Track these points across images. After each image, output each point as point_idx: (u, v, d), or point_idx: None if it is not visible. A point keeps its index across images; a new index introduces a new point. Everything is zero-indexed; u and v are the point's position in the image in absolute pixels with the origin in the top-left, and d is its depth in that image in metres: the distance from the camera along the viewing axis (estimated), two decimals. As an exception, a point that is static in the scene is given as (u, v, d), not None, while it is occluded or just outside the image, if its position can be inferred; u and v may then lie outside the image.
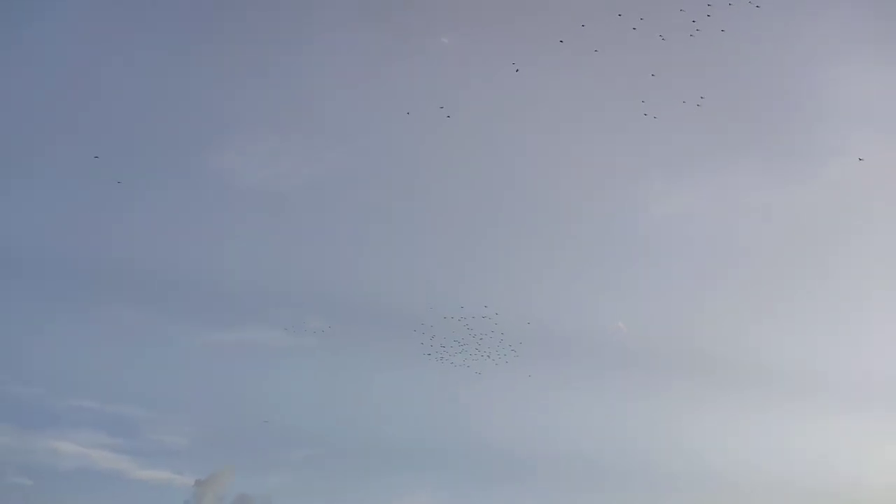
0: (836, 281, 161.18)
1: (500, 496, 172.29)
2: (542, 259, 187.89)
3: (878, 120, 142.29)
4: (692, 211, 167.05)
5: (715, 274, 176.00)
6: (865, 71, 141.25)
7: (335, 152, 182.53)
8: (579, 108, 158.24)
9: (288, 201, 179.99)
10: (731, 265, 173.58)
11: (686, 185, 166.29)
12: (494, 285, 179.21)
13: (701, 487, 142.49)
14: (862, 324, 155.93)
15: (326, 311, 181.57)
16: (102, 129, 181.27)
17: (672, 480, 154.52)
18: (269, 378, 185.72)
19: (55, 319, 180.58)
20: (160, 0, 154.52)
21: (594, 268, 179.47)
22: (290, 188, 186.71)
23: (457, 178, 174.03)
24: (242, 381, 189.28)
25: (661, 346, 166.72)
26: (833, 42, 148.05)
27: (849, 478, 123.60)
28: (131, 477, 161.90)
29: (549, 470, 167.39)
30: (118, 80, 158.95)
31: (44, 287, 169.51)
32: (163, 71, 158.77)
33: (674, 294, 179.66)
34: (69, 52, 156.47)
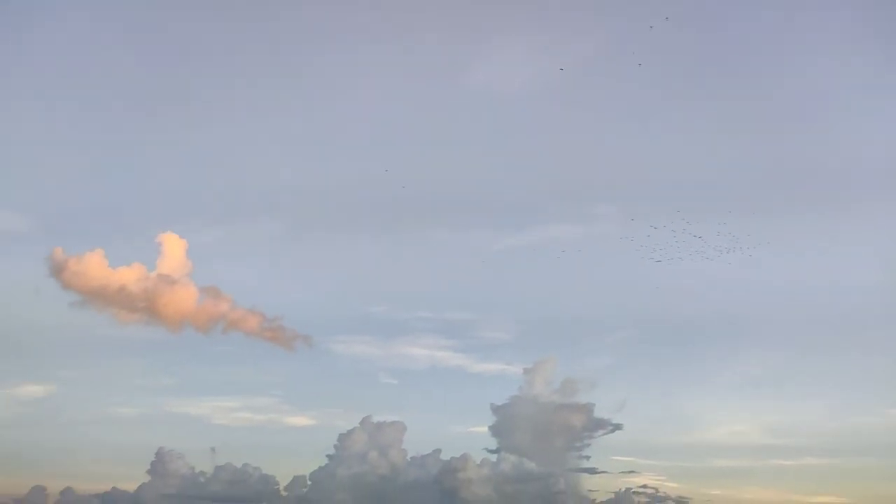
0: None
1: (845, 355, 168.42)
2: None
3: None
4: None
5: None
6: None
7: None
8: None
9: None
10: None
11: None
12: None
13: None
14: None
15: (613, 200, 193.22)
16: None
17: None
18: (569, 271, 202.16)
19: (384, 245, 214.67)
20: None
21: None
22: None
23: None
24: (547, 277, 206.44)
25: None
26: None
27: None
28: (471, 371, 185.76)
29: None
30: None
31: (376, 218, 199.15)
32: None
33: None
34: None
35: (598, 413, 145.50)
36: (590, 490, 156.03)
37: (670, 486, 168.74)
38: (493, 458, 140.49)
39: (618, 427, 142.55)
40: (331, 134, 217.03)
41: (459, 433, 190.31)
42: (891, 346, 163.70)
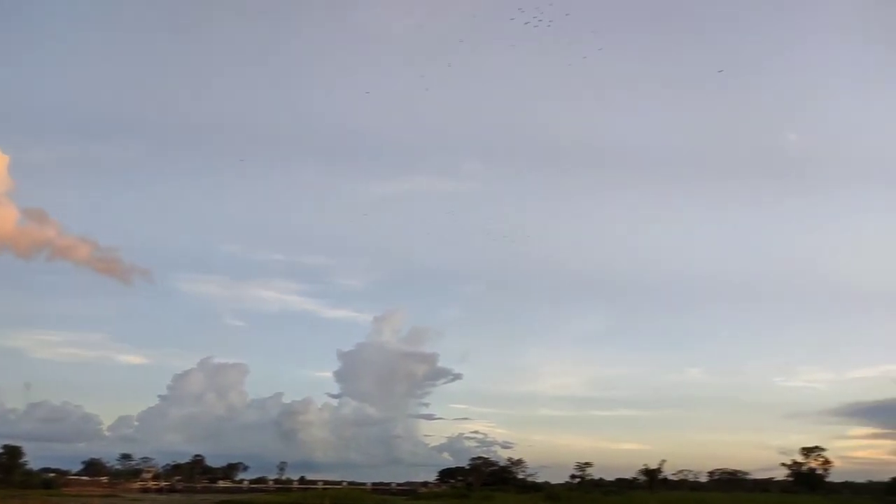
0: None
1: (664, 323, 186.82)
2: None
3: None
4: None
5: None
6: None
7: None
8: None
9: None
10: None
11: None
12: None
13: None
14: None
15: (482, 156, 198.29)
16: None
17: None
18: (429, 224, 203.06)
19: (248, 181, 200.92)
20: None
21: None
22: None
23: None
24: (407, 228, 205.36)
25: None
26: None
27: None
28: (321, 316, 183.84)
29: (720, 293, 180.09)
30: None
31: (234, 151, 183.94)
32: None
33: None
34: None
35: (442, 363, 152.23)
36: (425, 435, 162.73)
37: (498, 432, 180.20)
38: (335, 402, 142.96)
39: (458, 377, 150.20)
40: (207, 63, 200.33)
41: (304, 378, 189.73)
42: (697, 312, 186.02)
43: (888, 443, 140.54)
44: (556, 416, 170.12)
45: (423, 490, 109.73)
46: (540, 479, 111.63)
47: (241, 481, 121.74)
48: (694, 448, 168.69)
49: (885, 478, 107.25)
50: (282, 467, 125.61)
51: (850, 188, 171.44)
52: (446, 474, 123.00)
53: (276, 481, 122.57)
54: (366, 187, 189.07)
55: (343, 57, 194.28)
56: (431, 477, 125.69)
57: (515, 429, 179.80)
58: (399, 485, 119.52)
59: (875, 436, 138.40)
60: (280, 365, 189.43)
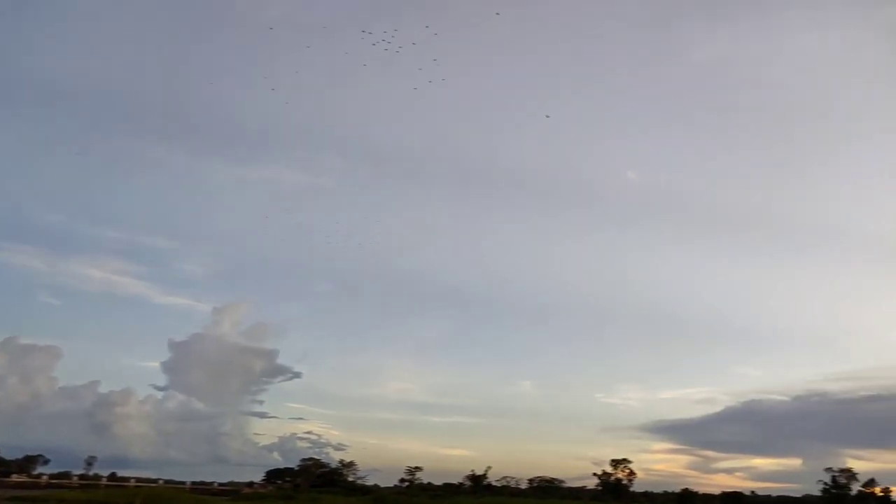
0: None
1: (502, 336, 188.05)
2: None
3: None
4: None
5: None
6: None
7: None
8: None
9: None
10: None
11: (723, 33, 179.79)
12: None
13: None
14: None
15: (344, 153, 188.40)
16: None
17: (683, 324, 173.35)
18: (289, 215, 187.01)
19: (81, 147, 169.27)
20: None
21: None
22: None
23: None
24: (260, 218, 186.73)
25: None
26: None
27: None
28: (154, 302, 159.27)
29: (557, 311, 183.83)
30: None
31: (77, 117, 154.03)
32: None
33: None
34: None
35: (282, 360, 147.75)
36: (256, 433, 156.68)
37: (333, 434, 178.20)
38: (160, 395, 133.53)
39: (297, 375, 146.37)
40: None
41: (126, 367, 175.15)
42: (533, 328, 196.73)
43: (683, 457, 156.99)
44: (393, 420, 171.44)
45: (247, 490, 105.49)
46: (370, 483, 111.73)
47: (39, 476, 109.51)
48: (519, 456, 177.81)
49: (678, 489, 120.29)
50: (90, 462, 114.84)
51: (673, 224, 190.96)
52: (274, 475, 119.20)
53: (82, 477, 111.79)
54: (218, 170, 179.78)
55: (197, 40, 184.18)
56: (258, 477, 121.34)
57: (351, 431, 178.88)
58: (221, 484, 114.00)
59: (673, 451, 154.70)
60: (100, 351, 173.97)
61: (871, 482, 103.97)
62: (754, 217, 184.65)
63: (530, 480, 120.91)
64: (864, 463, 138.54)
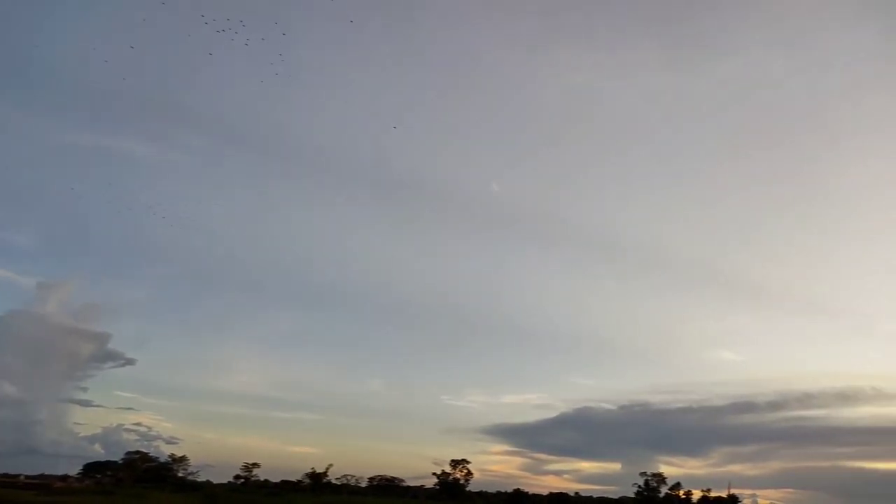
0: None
1: (355, 334, 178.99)
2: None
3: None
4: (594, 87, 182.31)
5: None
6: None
7: None
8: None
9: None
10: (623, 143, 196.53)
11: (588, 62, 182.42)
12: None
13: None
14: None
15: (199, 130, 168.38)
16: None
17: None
18: (128, 192, 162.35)
19: None
20: None
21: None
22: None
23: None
24: (102, 189, 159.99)
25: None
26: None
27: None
28: None
29: (412, 313, 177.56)
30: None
31: None
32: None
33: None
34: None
35: (114, 345, 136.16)
36: (77, 423, 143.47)
37: (165, 426, 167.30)
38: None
39: (130, 362, 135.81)
40: None
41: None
42: (386, 327, 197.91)
43: (518, 459, 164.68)
44: (234, 415, 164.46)
45: (59, 485, 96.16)
46: (202, 479, 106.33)
47: None
48: (364, 455, 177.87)
49: (510, 489, 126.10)
50: None
51: (526, 237, 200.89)
52: (93, 468, 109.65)
53: None
54: (53, 133, 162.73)
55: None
56: (74, 470, 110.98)
57: (186, 424, 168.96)
58: (29, 477, 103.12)
59: (509, 452, 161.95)
60: None
61: (677, 486, 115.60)
62: (598, 236, 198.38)
63: (370, 479, 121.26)
64: (673, 468, 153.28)
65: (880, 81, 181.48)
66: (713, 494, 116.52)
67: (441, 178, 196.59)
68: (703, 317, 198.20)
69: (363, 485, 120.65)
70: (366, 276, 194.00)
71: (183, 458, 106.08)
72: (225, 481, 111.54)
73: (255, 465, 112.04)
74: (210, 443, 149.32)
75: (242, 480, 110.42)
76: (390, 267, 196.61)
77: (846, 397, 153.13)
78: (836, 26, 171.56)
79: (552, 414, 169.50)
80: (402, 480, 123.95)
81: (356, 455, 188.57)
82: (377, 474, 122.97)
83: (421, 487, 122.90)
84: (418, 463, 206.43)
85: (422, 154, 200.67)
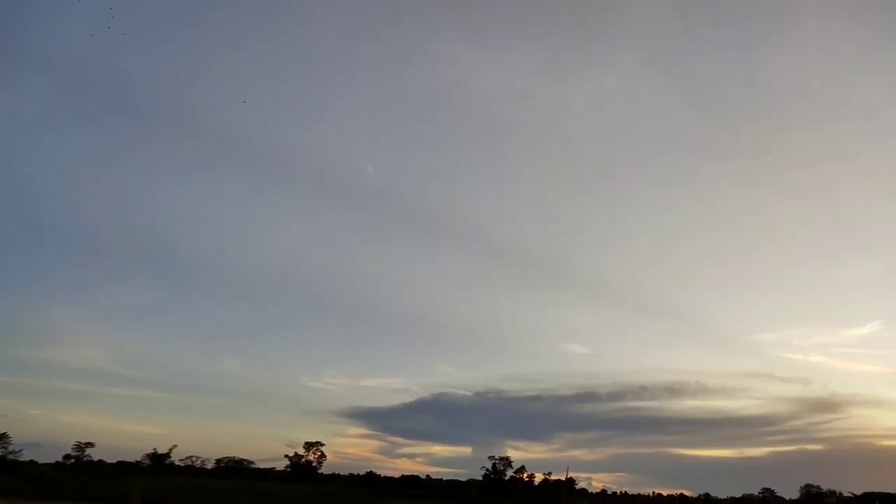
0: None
1: (210, 308, 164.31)
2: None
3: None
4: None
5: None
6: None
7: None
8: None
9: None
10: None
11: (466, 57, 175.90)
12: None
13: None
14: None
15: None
16: None
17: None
18: None
19: None
20: None
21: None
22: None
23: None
24: None
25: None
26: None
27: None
28: None
29: (272, 291, 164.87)
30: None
31: None
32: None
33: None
34: None
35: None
36: None
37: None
38: None
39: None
40: None
41: None
42: (247, 304, 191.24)
43: (373, 442, 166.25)
44: (67, 390, 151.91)
45: None
46: (25, 458, 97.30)
47: None
48: (215, 435, 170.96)
49: (364, 471, 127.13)
50: None
51: (396, 223, 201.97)
52: None
53: None
54: None
55: None
56: None
57: (9, 399, 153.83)
58: None
59: (365, 436, 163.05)
60: None
61: (521, 469, 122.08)
62: (467, 230, 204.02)
63: (218, 461, 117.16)
64: (520, 452, 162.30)
65: (727, 100, 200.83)
66: (553, 477, 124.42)
67: (316, 156, 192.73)
68: (557, 312, 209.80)
69: (209, 466, 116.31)
70: (227, 251, 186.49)
71: (4, 436, 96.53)
72: (53, 461, 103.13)
73: (89, 444, 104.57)
74: (37, 420, 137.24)
75: (73, 461, 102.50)
76: (253, 244, 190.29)
77: (674, 391, 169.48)
78: (694, 49, 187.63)
79: (410, 398, 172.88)
80: (252, 462, 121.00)
81: (206, 436, 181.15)
82: (227, 455, 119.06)
83: (272, 469, 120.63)
84: (271, 445, 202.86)
85: (298, 132, 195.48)
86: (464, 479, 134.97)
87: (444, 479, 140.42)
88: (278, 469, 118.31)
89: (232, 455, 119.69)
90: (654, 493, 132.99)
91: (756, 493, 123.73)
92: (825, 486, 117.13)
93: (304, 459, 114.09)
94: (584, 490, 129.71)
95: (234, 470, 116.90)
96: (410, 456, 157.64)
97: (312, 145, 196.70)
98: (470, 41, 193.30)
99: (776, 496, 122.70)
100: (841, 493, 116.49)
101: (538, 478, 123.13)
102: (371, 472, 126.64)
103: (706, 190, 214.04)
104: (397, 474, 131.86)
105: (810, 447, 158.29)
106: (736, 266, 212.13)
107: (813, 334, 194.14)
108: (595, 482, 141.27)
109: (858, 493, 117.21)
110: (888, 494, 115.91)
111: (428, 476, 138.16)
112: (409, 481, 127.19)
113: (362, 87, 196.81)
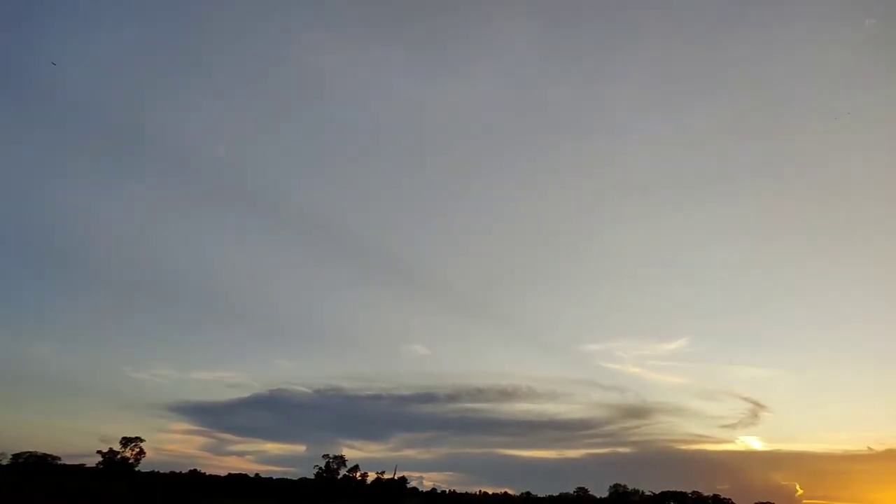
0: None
1: (32, 285, 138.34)
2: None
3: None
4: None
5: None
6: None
7: None
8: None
9: None
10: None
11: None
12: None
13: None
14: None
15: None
16: None
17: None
18: None
19: None
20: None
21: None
22: None
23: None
24: None
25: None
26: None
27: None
28: None
29: (102, 273, 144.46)
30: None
31: None
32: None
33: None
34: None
35: None
36: None
37: None
38: None
39: None
40: None
41: None
42: (70, 286, 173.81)
43: (200, 439, 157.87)
44: None
45: None
46: None
47: None
48: (16, 429, 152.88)
49: (187, 469, 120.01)
50: None
51: (244, 216, 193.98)
52: None
53: None
54: None
55: None
56: None
57: None
58: None
59: (192, 432, 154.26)
60: None
61: (355, 468, 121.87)
62: (317, 222, 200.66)
63: (15, 456, 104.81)
64: (355, 451, 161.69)
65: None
66: (386, 476, 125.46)
67: (160, 131, 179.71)
68: (401, 313, 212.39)
69: (4, 462, 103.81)
70: (45, 225, 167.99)
71: None
72: None
73: None
74: None
75: None
76: (81, 220, 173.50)
77: (507, 394, 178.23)
78: (535, 59, 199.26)
79: (246, 394, 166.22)
80: (58, 458, 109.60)
81: (4, 429, 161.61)
82: (27, 451, 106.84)
83: (81, 466, 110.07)
84: (84, 440, 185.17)
85: (143, 108, 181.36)
86: (295, 477, 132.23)
87: (275, 477, 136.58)
88: (89, 466, 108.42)
89: (34, 450, 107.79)
90: (480, 491, 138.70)
91: (571, 492, 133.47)
92: (631, 486, 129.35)
93: (119, 456, 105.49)
94: (415, 489, 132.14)
95: (35, 466, 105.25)
96: (240, 454, 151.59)
97: (165, 124, 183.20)
98: (339, 32, 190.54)
99: (588, 495, 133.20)
100: (643, 492, 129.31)
101: (371, 477, 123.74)
102: (195, 469, 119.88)
103: (550, 208, 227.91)
104: (224, 472, 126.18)
105: (621, 450, 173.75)
106: (569, 281, 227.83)
107: (633, 347, 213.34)
108: (426, 481, 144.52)
109: (657, 491, 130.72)
110: (681, 493, 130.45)
111: (257, 475, 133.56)
112: (236, 480, 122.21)
113: (223, 68, 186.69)
